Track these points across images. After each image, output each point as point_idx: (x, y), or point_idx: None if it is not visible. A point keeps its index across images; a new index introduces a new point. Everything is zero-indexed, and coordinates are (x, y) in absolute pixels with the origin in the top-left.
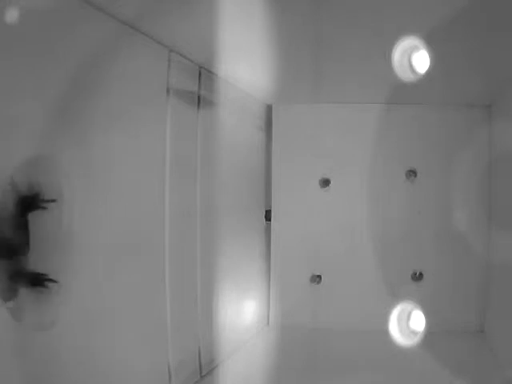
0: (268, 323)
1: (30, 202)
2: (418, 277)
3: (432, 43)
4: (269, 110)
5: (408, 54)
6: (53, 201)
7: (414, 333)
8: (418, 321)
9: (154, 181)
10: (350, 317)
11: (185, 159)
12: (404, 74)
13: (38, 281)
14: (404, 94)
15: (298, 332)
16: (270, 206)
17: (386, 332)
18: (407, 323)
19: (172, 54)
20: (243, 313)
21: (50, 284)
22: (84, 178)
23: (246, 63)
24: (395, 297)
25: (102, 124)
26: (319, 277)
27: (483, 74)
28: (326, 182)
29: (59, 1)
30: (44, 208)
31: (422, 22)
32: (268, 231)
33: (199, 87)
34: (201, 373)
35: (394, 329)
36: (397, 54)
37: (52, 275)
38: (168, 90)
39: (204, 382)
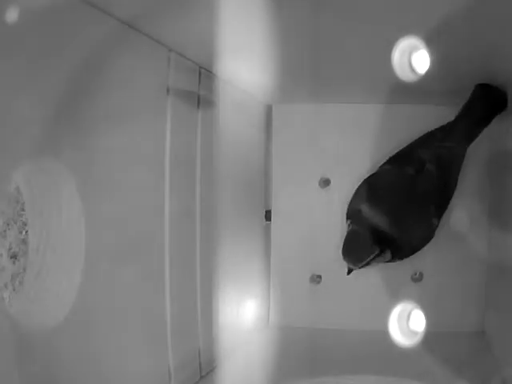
0: (268, 323)
1: None
2: (418, 277)
3: (432, 43)
4: (269, 109)
5: (408, 54)
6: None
7: (414, 333)
8: (418, 321)
9: (153, 181)
10: (350, 317)
11: (185, 159)
12: (404, 74)
13: None
14: (404, 93)
15: (298, 332)
16: (270, 206)
17: (386, 332)
18: (407, 323)
19: (172, 53)
20: (243, 313)
21: None
22: (83, 179)
23: (245, 63)
24: (395, 297)
25: (102, 124)
26: (319, 277)
27: (483, 74)
28: (326, 182)
29: (59, 1)
30: None
31: (422, 21)
32: (268, 231)
33: (199, 87)
34: (201, 373)
35: (394, 329)
36: (397, 54)
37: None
38: (168, 90)
39: (204, 382)
